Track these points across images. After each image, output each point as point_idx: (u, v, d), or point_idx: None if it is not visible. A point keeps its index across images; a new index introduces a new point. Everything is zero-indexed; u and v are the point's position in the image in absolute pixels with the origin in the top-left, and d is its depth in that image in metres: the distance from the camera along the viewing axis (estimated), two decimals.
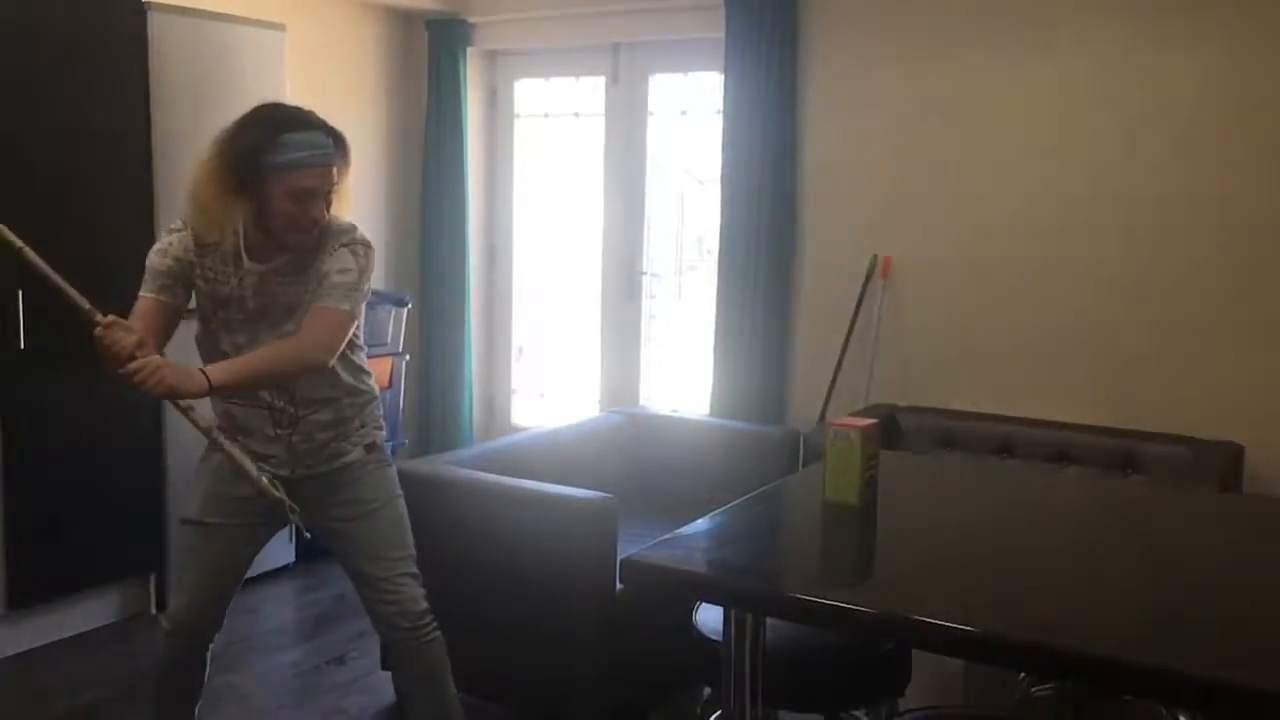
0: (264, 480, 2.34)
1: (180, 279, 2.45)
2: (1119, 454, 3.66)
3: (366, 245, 2.49)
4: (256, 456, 2.47)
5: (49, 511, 3.60)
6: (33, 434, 3.54)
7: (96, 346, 2.24)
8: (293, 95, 4.23)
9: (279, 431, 2.51)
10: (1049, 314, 3.99)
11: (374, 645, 3.45)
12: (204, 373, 2.30)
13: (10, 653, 3.57)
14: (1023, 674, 2.68)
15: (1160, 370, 3.81)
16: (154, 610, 3.94)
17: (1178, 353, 3.79)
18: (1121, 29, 3.80)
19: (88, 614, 3.79)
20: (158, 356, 2.29)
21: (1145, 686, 1.60)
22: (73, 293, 2.25)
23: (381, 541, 2.58)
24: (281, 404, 2.50)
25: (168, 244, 2.46)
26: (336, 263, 2.44)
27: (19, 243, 2.24)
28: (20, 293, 3.44)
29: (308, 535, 2.52)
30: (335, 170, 2.41)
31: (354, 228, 2.51)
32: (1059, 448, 3.75)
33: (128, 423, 3.80)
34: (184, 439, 3.92)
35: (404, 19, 5.30)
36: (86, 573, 3.74)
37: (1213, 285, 3.72)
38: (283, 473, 2.51)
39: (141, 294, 2.45)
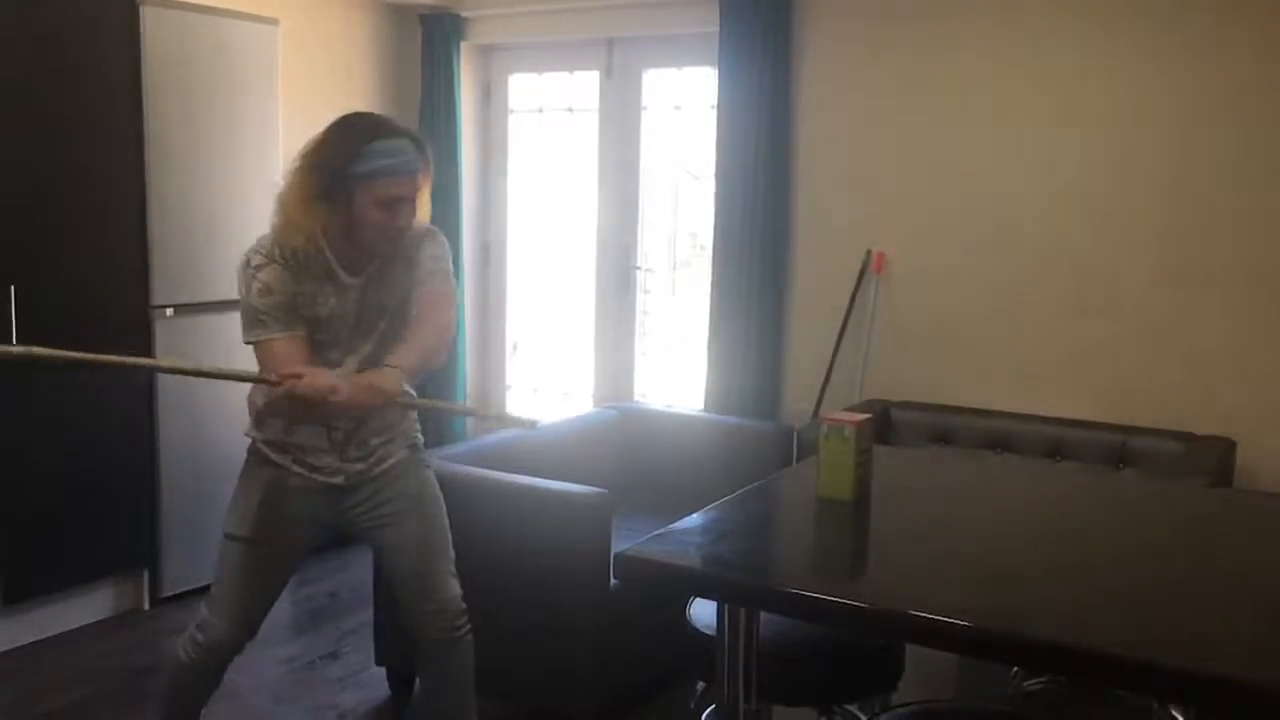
0: (471, 406, 2.41)
1: (293, 310, 2.39)
2: (1112, 449, 3.67)
3: (443, 238, 2.57)
4: (309, 469, 2.49)
5: (41, 507, 3.59)
6: (25, 429, 3.54)
7: (295, 404, 2.26)
8: (285, 91, 4.25)
9: (333, 443, 2.51)
10: (1043, 309, 4.00)
11: (368, 641, 3.45)
12: (391, 366, 2.34)
13: (3, 649, 3.56)
14: (1015, 668, 2.69)
15: (1154, 366, 3.82)
16: (147, 606, 3.93)
17: (1171, 348, 3.80)
18: (1115, 26, 3.80)
19: (80, 610, 3.79)
20: (355, 377, 2.36)
21: (1137, 680, 1.60)
22: (240, 373, 2.43)
23: (426, 540, 2.60)
24: (337, 422, 2.50)
25: (265, 283, 2.36)
26: (426, 250, 2.49)
27: (164, 363, 2.33)
28: (12, 288, 3.42)
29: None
30: (420, 177, 2.43)
31: (433, 228, 2.55)
32: (1052, 443, 3.76)
33: (120, 419, 3.79)
34: (177, 435, 3.93)
35: (397, 13, 5.29)
36: (79, 569, 3.73)
37: (1207, 281, 3.73)
38: (336, 480, 2.52)
39: (268, 338, 2.36)
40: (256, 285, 2.37)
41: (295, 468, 2.50)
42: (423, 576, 2.58)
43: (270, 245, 2.40)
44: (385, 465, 2.58)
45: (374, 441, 2.55)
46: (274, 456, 2.49)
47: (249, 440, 2.56)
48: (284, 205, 2.39)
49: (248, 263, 2.40)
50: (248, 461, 2.55)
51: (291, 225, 2.38)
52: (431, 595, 2.58)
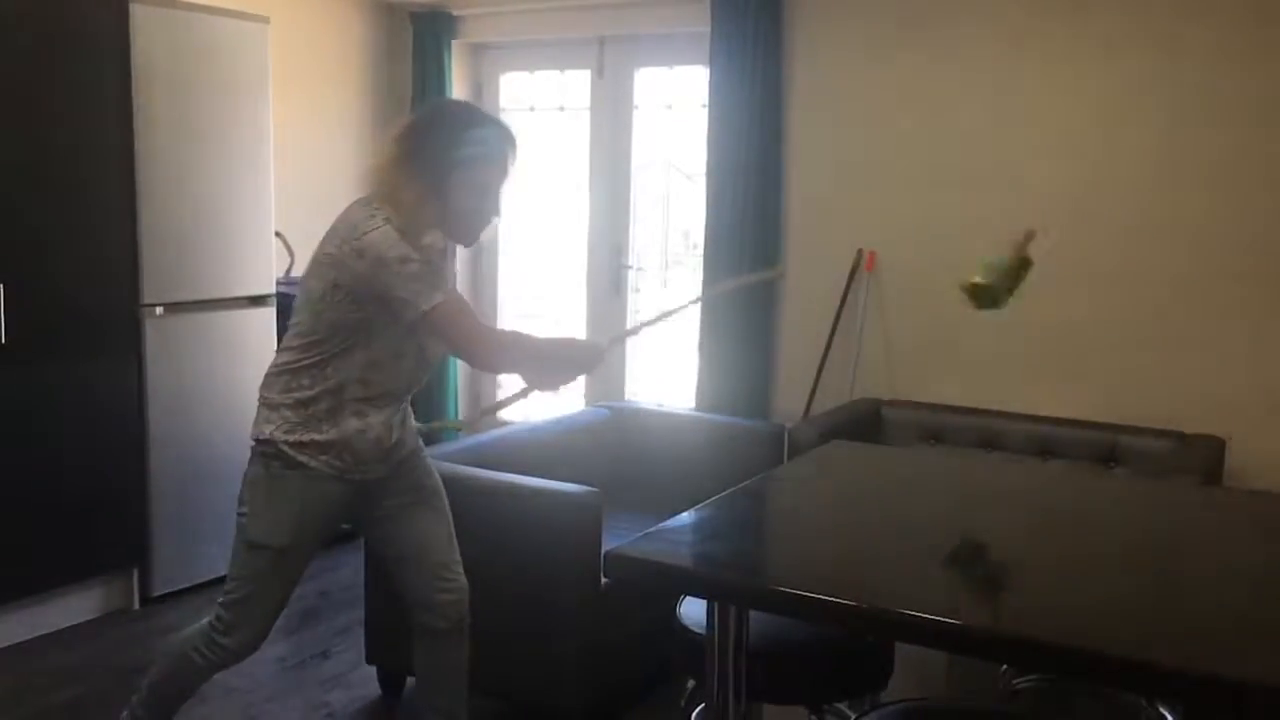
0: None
1: None
2: (1103, 447, 3.68)
3: None
4: (352, 465, 2.44)
5: (31, 506, 3.58)
6: (13, 428, 3.52)
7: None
8: (276, 89, 4.24)
9: (387, 438, 2.50)
10: (1033, 308, 3.99)
11: (359, 640, 3.44)
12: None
13: None
14: (1005, 666, 2.70)
15: (1144, 365, 3.83)
16: (137, 605, 3.92)
17: (1162, 347, 3.81)
18: (1104, 25, 3.81)
19: (70, 609, 3.77)
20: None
21: (1125, 679, 1.61)
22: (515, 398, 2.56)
23: (442, 528, 2.62)
24: (407, 400, 2.52)
25: (408, 249, 2.29)
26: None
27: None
28: (1, 286, 3.41)
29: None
30: (510, 165, 2.45)
31: None
32: (1043, 441, 3.77)
33: (110, 417, 3.78)
34: (167, 434, 3.92)
35: (388, 11, 5.28)
36: (69, 568, 3.72)
37: (1197, 281, 3.74)
38: (378, 473, 2.52)
39: (443, 300, 2.31)
40: (397, 251, 2.28)
41: (334, 466, 2.42)
42: (441, 566, 2.60)
43: (385, 222, 2.32)
44: (404, 454, 2.58)
45: (400, 430, 2.55)
46: (301, 457, 2.40)
47: (263, 442, 2.43)
48: (406, 205, 2.34)
49: (393, 225, 2.30)
50: (268, 466, 2.43)
51: (421, 225, 2.36)
52: (448, 585, 2.60)
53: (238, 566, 2.49)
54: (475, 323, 2.41)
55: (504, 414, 5.50)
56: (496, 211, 2.46)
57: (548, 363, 2.44)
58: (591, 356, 2.47)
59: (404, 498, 2.59)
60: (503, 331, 2.50)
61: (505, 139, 2.44)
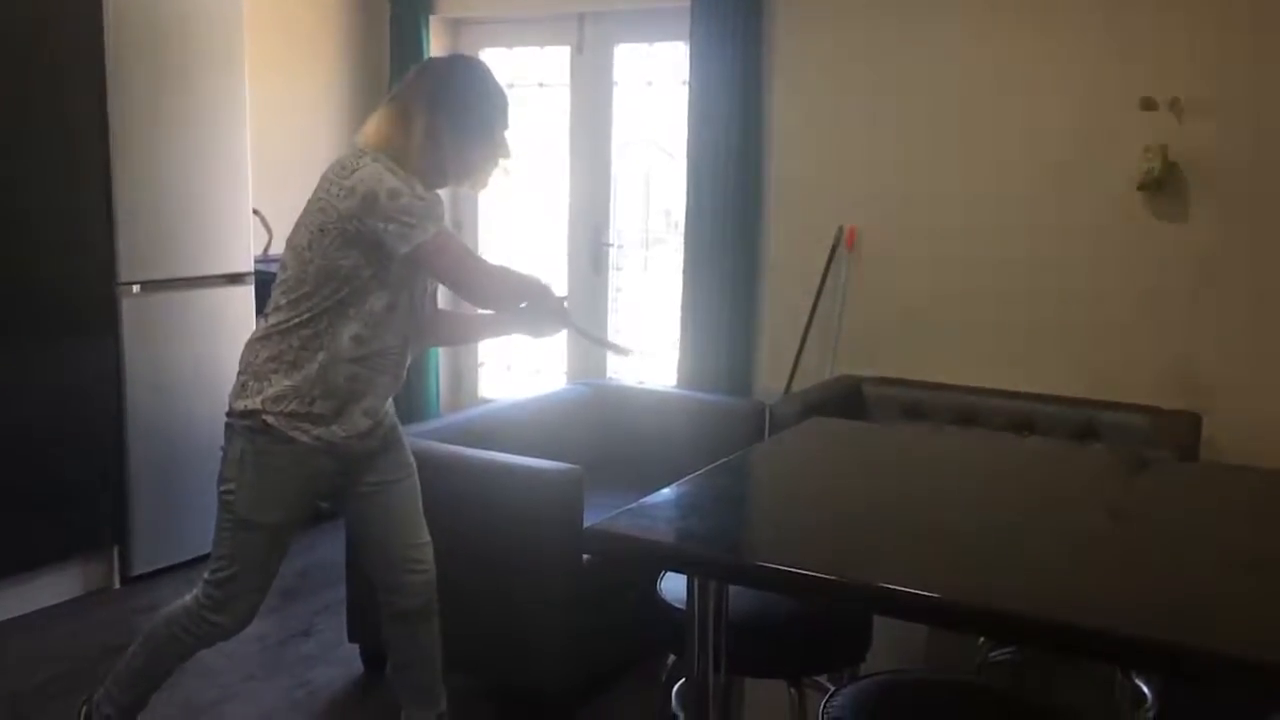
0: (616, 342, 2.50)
1: None
2: (1081, 423, 3.71)
3: None
4: (342, 437, 2.41)
5: (8, 485, 3.55)
6: None
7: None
8: (252, 65, 4.19)
9: (379, 411, 2.48)
10: (1013, 285, 4.03)
11: (340, 618, 3.44)
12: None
13: None
14: (982, 639, 2.72)
15: (1122, 341, 3.86)
16: (117, 585, 3.91)
17: (1139, 324, 3.83)
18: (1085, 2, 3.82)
19: (50, 589, 3.76)
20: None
21: (1099, 650, 1.62)
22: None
23: (412, 507, 2.60)
24: (403, 368, 2.50)
25: (398, 183, 2.29)
26: None
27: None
28: None
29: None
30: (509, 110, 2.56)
31: None
32: (1022, 417, 3.79)
33: (88, 395, 3.75)
34: (146, 412, 3.90)
35: None
36: (48, 548, 3.70)
37: (1175, 258, 3.76)
38: (369, 445, 2.49)
39: (445, 228, 2.37)
40: (391, 183, 2.28)
41: (325, 440, 2.38)
42: (410, 547, 2.58)
43: (374, 161, 2.32)
44: (384, 430, 2.55)
45: (388, 407, 2.54)
46: (292, 432, 2.34)
47: (248, 415, 2.36)
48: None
49: (383, 163, 2.30)
50: (253, 440, 2.36)
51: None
52: (418, 566, 2.58)
53: (225, 544, 2.44)
54: (469, 254, 2.46)
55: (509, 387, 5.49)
56: (506, 153, 2.52)
57: (521, 297, 2.48)
58: (556, 312, 2.52)
59: (385, 475, 2.56)
60: (492, 262, 2.52)
61: (500, 87, 2.52)
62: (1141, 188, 3.71)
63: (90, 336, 3.74)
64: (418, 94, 2.41)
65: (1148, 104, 3.62)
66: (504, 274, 2.46)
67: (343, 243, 2.29)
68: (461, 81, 2.45)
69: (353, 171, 2.29)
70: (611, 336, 5.03)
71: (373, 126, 2.42)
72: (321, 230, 2.31)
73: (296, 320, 2.35)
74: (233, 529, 2.43)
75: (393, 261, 2.32)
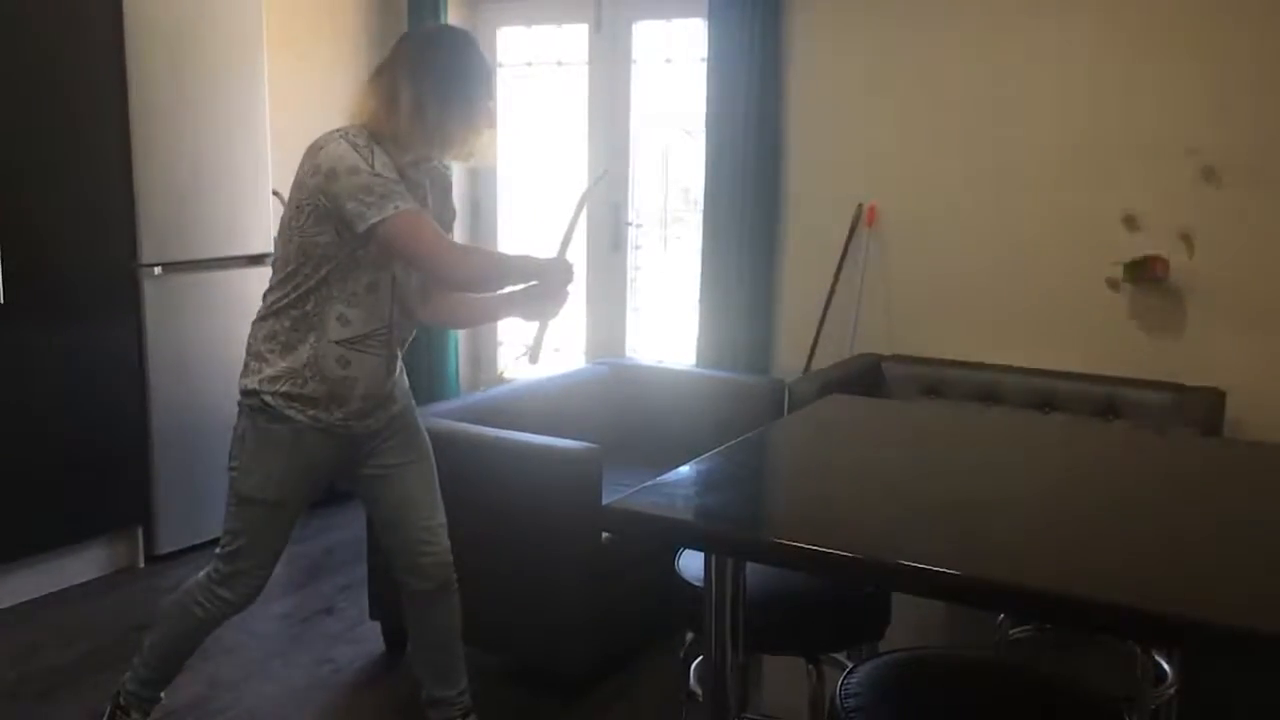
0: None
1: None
2: (1103, 400, 3.68)
3: None
4: (341, 418, 2.42)
5: (35, 466, 3.59)
6: (16, 389, 3.53)
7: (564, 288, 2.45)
8: (271, 45, 4.20)
9: (382, 390, 2.48)
10: (1033, 262, 3.99)
11: (362, 596, 3.47)
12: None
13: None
14: (1001, 616, 2.71)
15: (1144, 318, 3.83)
16: (142, 564, 3.95)
17: (1161, 301, 3.80)
18: None
19: (76, 568, 3.80)
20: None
21: (1120, 626, 1.62)
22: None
23: (426, 489, 2.60)
24: (396, 348, 2.49)
25: (359, 160, 2.26)
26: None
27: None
28: None
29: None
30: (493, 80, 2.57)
31: None
32: (1044, 395, 3.77)
33: (111, 376, 3.78)
34: (169, 393, 3.93)
35: None
36: (74, 527, 3.74)
37: (1196, 236, 3.72)
38: (367, 427, 2.49)
39: (408, 208, 2.27)
40: (377, 160, 2.27)
41: (321, 420, 2.40)
42: (425, 529, 2.58)
43: (366, 135, 2.32)
44: (394, 410, 2.56)
45: (390, 383, 2.53)
46: (288, 411, 2.37)
47: (249, 394, 2.41)
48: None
49: (349, 139, 2.30)
50: (254, 419, 2.41)
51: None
52: (429, 547, 2.59)
53: (231, 520, 2.50)
54: (435, 234, 2.34)
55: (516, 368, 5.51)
56: (490, 123, 2.46)
57: (514, 275, 2.46)
58: (560, 269, 2.46)
59: (395, 458, 2.57)
60: (463, 244, 2.51)
61: (483, 57, 2.48)
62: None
63: (113, 318, 3.77)
64: (398, 65, 2.41)
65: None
66: (483, 256, 2.43)
67: (316, 219, 2.31)
68: (442, 51, 2.41)
69: (320, 149, 2.32)
70: (630, 315, 5.04)
71: (357, 101, 2.43)
72: (299, 208, 2.34)
73: (285, 300, 2.39)
74: (236, 505, 2.48)
75: (360, 239, 2.32)
